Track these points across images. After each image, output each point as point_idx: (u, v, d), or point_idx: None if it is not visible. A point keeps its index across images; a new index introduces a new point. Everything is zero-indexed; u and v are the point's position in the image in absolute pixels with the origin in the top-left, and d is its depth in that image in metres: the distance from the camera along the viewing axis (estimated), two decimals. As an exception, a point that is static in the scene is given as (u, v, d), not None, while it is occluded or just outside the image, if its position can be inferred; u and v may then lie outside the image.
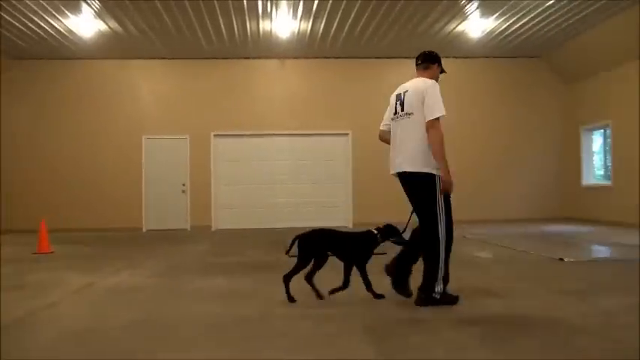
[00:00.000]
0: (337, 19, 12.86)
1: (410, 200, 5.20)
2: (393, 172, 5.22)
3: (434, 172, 4.91)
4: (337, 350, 3.82)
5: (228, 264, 8.15)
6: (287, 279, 5.28)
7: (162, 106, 15.68)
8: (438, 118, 4.87)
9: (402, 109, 5.10)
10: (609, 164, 15.00)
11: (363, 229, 5.42)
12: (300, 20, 12.88)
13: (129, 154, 15.48)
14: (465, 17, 12.90)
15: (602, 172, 15.87)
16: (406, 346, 3.87)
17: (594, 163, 16.18)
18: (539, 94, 16.46)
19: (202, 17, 12.42)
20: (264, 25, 13.19)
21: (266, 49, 15.03)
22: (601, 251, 9.51)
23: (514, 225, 14.64)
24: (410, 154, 4.97)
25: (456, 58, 15.97)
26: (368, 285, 5.25)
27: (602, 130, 15.58)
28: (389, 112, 5.38)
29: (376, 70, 16.06)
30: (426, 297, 4.95)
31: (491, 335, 4.08)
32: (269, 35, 13.89)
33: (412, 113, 4.99)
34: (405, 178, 5.08)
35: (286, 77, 16.04)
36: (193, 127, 15.64)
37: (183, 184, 15.56)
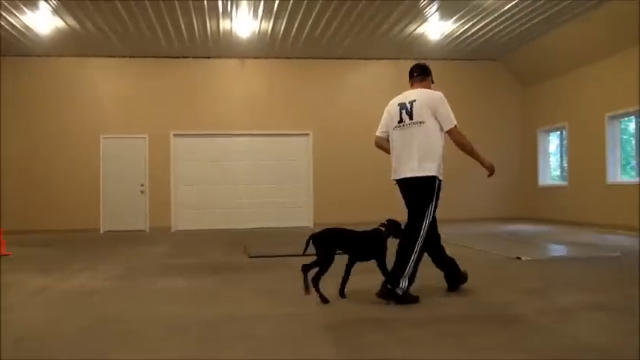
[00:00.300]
0: (298, 20, 12.86)
1: (409, 199, 5.37)
2: (401, 176, 5.37)
3: (439, 176, 5.25)
4: (298, 351, 3.82)
5: (188, 265, 8.08)
6: (315, 282, 5.17)
7: (121, 105, 15.46)
8: (455, 124, 5.35)
9: (411, 118, 5.32)
10: (565, 165, 15.33)
11: (366, 227, 5.55)
12: (261, 20, 12.85)
13: (86, 154, 15.20)
14: (424, 19, 13.02)
15: (558, 173, 16.22)
16: (366, 345, 3.89)
17: (551, 164, 16.54)
18: (497, 97, 16.72)
19: (162, 16, 12.28)
20: (225, 25, 13.11)
21: (226, 48, 14.95)
22: (558, 250, 9.72)
23: (475, 225, 14.85)
24: (422, 159, 5.22)
25: (416, 59, 16.12)
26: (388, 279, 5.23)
27: (558, 132, 15.92)
28: (388, 120, 5.57)
29: (337, 70, 16.12)
30: (390, 291, 5.06)
31: (451, 334, 4.13)
32: (229, 35, 13.82)
33: (424, 122, 5.27)
34: (413, 182, 5.27)
35: (247, 77, 15.98)
36: (152, 127, 15.46)
37: (142, 185, 15.36)
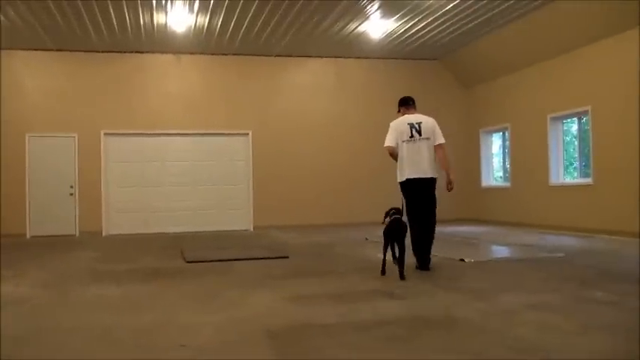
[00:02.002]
0: (235, 16, 12.76)
1: (420, 196, 7.51)
2: (417, 176, 7.44)
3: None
4: (238, 358, 3.80)
5: (121, 272, 7.93)
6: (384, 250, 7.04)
7: (48, 101, 15.01)
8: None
9: (420, 135, 7.51)
10: (508, 166, 15.72)
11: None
12: (197, 15, 12.70)
13: (11, 154, 14.67)
14: (366, 18, 13.13)
15: (501, 174, 16.63)
16: (309, 350, 3.90)
17: (493, 165, 16.94)
18: (440, 97, 16.97)
19: (92, 8, 11.98)
20: (159, 19, 12.91)
21: (161, 43, 14.73)
22: (501, 251, 9.96)
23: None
24: (430, 165, 7.50)
25: (357, 58, 16.30)
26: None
27: (501, 133, 16.32)
28: (398, 134, 7.58)
29: (276, 68, 16.12)
30: (428, 261, 7.48)
31: (394, 337, 4.18)
32: (164, 29, 13.62)
33: (429, 138, 7.52)
34: (426, 181, 7.48)
35: (183, 73, 15.80)
36: (82, 125, 15.08)
37: (71, 186, 14.97)
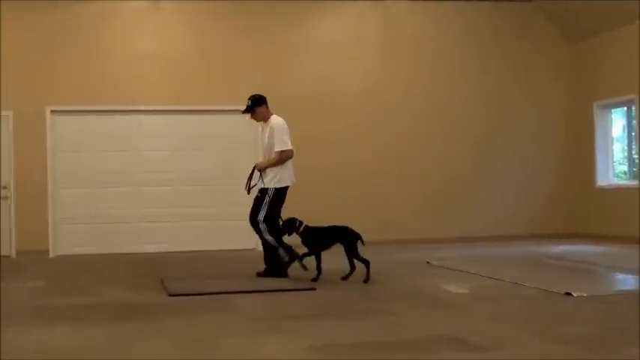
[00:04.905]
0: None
1: None
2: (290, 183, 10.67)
3: None
4: None
5: (78, 308, 8.04)
6: None
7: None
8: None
9: None
10: (636, 156, 15.52)
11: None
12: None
13: None
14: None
15: (625, 168, 16.46)
16: None
17: (614, 154, 16.80)
18: (534, 56, 16.82)
19: None
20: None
21: (131, -19, 14.87)
22: (625, 281, 9.90)
23: (496, 245, 15.01)
24: None
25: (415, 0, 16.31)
26: None
27: (624, 108, 16.18)
28: None
29: (295, 16, 16.14)
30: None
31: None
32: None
33: None
34: None
35: (162, 26, 15.85)
36: (19, 99, 15.15)
37: (4, 187, 15.17)
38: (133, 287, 9.85)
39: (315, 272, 9.77)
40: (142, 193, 15.69)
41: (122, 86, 15.59)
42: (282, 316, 7.22)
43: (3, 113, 15.14)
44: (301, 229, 10.11)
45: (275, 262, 10.38)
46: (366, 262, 9.64)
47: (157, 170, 15.70)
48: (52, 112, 15.38)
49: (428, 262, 11.71)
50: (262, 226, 10.45)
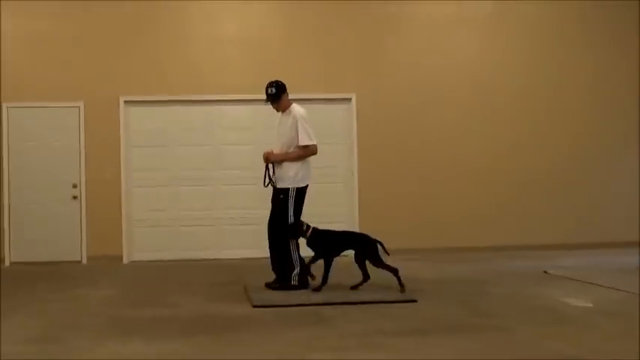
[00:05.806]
0: None
1: None
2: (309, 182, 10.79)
3: None
4: None
5: (153, 320, 8.18)
6: None
7: (35, 53, 15.47)
8: None
9: None
10: None
11: None
12: None
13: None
14: None
15: None
16: None
17: None
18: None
19: None
20: None
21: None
22: None
23: (619, 252, 14.72)
24: None
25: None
26: None
27: None
28: None
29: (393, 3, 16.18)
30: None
31: None
32: None
33: None
34: None
35: (243, 6, 15.98)
36: (90, 90, 15.42)
37: (75, 186, 15.44)
38: (214, 297, 9.99)
39: (320, 281, 10.10)
40: (225, 193, 15.83)
41: (202, 74, 15.75)
42: (378, 331, 7.23)
43: (74, 104, 15.41)
44: (309, 232, 10.32)
45: (285, 271, 10.44)
46: (394, 270, 9.97)
47: (241, 167, 15.78)
48: (126, 102, 15.60)
49: (545, 272, 11.58)
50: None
